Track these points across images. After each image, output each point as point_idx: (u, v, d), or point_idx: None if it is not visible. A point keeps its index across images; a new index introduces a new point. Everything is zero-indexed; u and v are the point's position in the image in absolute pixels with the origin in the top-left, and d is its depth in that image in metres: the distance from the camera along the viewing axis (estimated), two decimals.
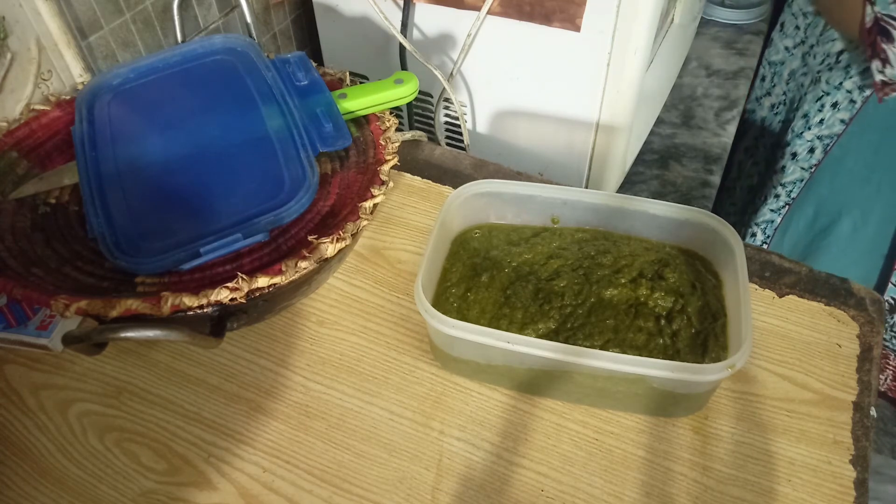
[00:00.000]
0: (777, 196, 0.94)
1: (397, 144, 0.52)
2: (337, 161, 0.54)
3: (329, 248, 0.42)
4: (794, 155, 0.89)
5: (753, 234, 1.01)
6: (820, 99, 0.85)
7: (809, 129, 0.86)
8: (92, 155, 0.49)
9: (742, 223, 1.06)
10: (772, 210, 0.96)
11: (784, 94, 0.91)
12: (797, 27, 0.86)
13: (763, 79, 0.94)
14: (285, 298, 0.46)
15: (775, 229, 0.97)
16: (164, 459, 0.44)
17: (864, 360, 0.48)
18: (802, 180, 0.89)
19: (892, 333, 0.84)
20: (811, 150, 0.87)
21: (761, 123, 0.97)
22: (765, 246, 1.01)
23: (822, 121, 0.85)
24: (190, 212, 0.46)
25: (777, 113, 0.94)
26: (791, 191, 0.91)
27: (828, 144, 0.85)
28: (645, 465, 0.43)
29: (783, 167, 0.90)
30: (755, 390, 0.47)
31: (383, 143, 0.51)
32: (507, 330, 0.45)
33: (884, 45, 0.68)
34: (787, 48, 0.87)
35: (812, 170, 0.87)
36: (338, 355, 0.50)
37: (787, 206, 0.93)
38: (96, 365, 0.49)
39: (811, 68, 0.85)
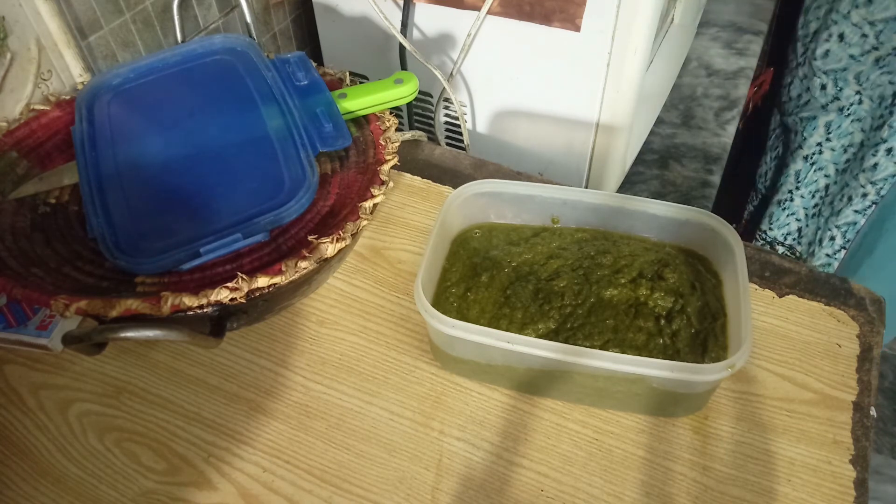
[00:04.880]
0: (864, 195, 0.94)
1: (397, 144, 0.52)
2: (337, 161, 0.54)
3: (329, 248, 0.42)
4: (890, 150, 0.89)
5: (832, 238, 1.01)
6: None
7: None
8: (92, 155, 0.49)
9: (811, 230, 1.06)
10: (856, 211, 0.96)
11: (858, 93, 0.91)
12: (864, 35, 0.87)
13: (824, 87, 0.94)
14: (285, 298, 0.46)
15: (857, 231, 0.98)
16: (164, 459, 0.44)
17: (864, 360, 0.48)
18: (895, 175, 0.90)
19: None
20: None
21: (827, 128, 0.97)
22: (843, 250, 1.02)
23: None
24: (190, 212, 0.46)
25: (849, 114, 0.94)
26: (881, 188, 0.92)
27: None
28: (645, 465, 0.43)
29: (875, 164, 0.91)
30: (755, 390, 0.47)
31: (383, 143, 0.51)
32: (507, 330, 0.45)
33: None
34: (852, 56, 0.89)
35: None
36: (338, 355, 0.50)
37: (873, 206, 0.94)
38: (96, 365, 0.49)
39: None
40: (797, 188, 1.06)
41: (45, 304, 0.39)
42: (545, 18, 0.62)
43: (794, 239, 1.11)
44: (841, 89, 0.93)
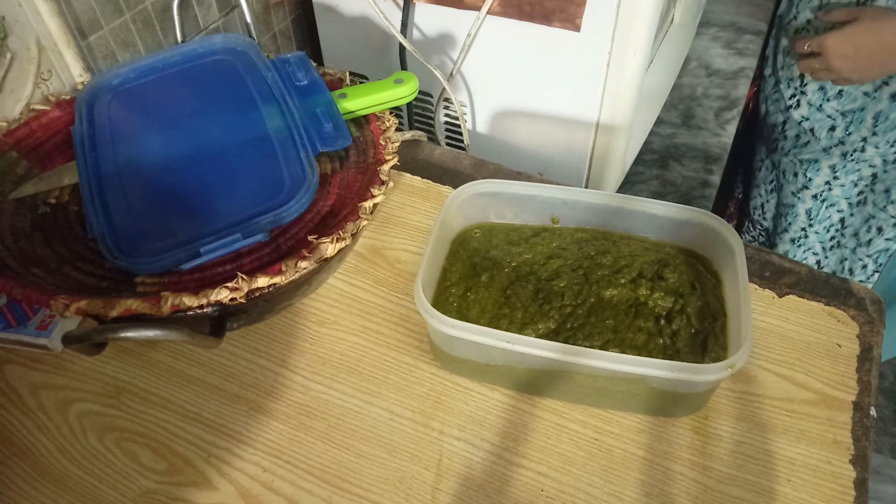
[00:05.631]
0: (895, 224, 0.97)
1: (397, 144, 0.52)
2: (337, 161, 0.54)
3: (329, 248, 0.42)
4: None
5: (864, 266, 1.03)
6: None
7: None
8: (92, 155, 0.49)
9: (834, 260, 1.08)
10: (887, 239, 1.00)
11: (863, 139, 0.94)
12: None
13: (833, 129, 0.95)
14: (285, 298, 0.46)
15: (890, 256, 1.00)
16: (164, 459, 0.44)
17: (864, 360, 0.48)
18: None
19: None
20: None
21: (832, 169, 1.00)
22: (876, 274, 1.03)
23: None
24: (190, 212, 0.46)
25: (853, 158, 0.96)
26: None
27: None
28: (645, 465, 0.43)
29: None
30: (755, 390, 0.47)
31: (383, 143, 0.51)
32: (506, 330, 0.45)
33: None
34: (866, 94, 0.90)
35: None
36: (338, 355, 0.50)
37: None
38: (96, 365, 0.49)
39: None
40: (810, 225, 1.08)
41: (45, 304, 0.39)
42: (545, 18, 0.62)
43: None
44: (850, 133, 0.94)
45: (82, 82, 0.58)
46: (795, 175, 1.04)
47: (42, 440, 0.45)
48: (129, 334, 0.37)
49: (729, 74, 0.96)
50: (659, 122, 0.89)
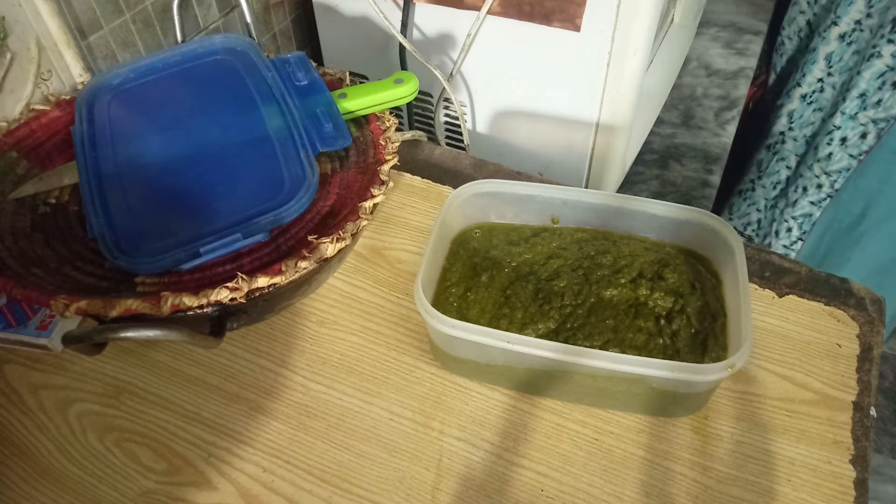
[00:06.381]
0: (819, 186, 0.91)
1: (397, 144, 0.52)
2: (337, 161, 0.54)
3: (329, 248, 0.42)
4: (844, 140, 0.85)
5: (789, 230, 0.98)
6: (882, 76, 0.80)
7: (865, 109, 0.83)
8: (92, 155, 0.49)
9: (767, 221, 1.04)
10: (811, 202, 0.93)
11: (820, 80, 0.88)
12: (812, 9, 0.85)
13: (793, 72, 0.92)
14: (285, 298, 0.46)
15: (813, 223, 0.95)
16: (164, 459, 0.44)
17: (864, 360, 0.48)
18: (849, 169, 0.86)
19: None
20: (863, 136, 0.84)
21: (790, 117, 0.95)
22: (800, 242, 0.99)
23: (879, 101, 0.81)
24: (190, 212, 0.46)
25: (811, 101, 0.91)
26: (835, 181, 0.88)
27: (882, 129, 0.81)
28: (645, 465, 0.43)
29: (829, 154, 0.87)
30: (755, 390, 0.47)
31: (383, 143, 0.51)
32: (506, 330, 0.45)
33: None
34: (817, 32, 0.86)
35: (861, 157, 0.84)
36: (338, 355, 0.50)
37: (828, 198, 0.91)
38: (96, 365, 0.49)
39: (863, 44, 0.82)
40: (759, 178, 1.02)
41: (45, 304, 0.39)
42: (545, 18, 0.62)
43: (753, 230, 1.08)
44: (804, 75, 0.90)
45: (82, 82, 0.58)
46: (764, 124, 1.01)
47: (42, 440, 0.45)
48: (129, 334, 0.37)
49: (729, 74, 0.96)
50: (659, 122, 0.89)
